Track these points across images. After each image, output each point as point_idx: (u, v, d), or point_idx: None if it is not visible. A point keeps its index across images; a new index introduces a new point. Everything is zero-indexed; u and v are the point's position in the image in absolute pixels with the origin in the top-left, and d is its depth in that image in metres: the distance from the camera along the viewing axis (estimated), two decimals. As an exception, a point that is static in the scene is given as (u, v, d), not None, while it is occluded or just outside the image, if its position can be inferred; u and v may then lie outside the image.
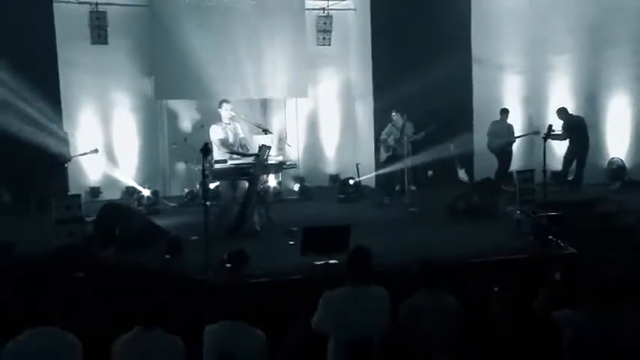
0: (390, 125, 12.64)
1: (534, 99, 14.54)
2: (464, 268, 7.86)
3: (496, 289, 6.27)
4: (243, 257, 7.31)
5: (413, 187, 12.94)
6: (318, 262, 7.54)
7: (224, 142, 10.52)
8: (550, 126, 11.08)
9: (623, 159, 14.26)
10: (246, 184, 9.99)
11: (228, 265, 7.22)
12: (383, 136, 12.75)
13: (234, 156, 10.22)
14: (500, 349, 5.82)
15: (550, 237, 8.82)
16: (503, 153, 13.34)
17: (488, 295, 6.30)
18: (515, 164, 13.45)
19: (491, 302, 6.16)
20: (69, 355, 4.59)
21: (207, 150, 7.83)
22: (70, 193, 10.55)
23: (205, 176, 8.18)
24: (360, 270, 5.46)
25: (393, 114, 12.62)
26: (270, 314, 5.74)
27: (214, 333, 4.91)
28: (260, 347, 4.87)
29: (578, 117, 13.16)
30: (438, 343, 5.34)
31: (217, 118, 10.82)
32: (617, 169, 13.98)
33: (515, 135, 13.46)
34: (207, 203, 10.96)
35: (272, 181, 12.92)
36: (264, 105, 14.45)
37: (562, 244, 8.76)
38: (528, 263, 8.11)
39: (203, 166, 7.93)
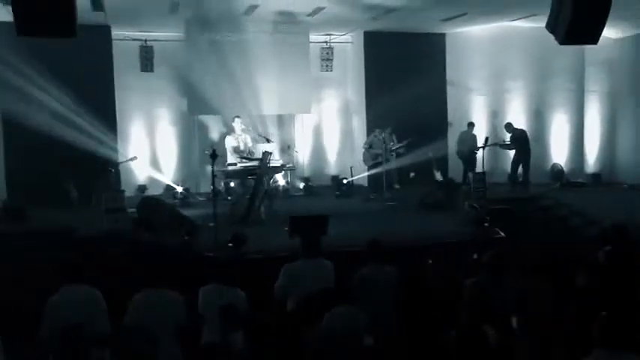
0: (372, 136, 12.96)
1: (495, 114, 14.82)
2: (417, 248, 8.26)
3: (430, 261, 6.84)
4: (242, 239, 7.79)
5: (397, 186, 13.31)
6: (304, 243, 8.07)
7: (236, 149, 11.07)
8: (487, 138, 11.58)
9: (562, 164, 14.60)
10: (253, 182, 10.37)
11: (230, 244, 7.71)
12: (365, 145, 13.03)
13: (244, 160, 10.68)
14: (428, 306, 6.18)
15: (486, 224, 9.28)
16: (468, 158, 13.45)
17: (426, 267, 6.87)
18: (480, 168, 13.26)
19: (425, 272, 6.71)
20: (94, 304, 4.93)
21: (214, 155, 8.19)
22: (119, 189, 10.76)
23: (214, 176, 8.54)
24: (312, 247, 5.98)
25: (377, 130, 12.92)
26: (258, 281, 6.17)
27: (206, 292, 5.33)
28: (241, 302, 5.23)
29: (521, 130, 13.37)
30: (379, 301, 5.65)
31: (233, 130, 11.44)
32: (557, 172, 14.28)
33: (478, 145, 13.28)
34: (228, 197, 11.67)
35: (281, 180, 13.13)
36: (278, 120, 14.56)
37: (495, 230, 9.21)
38: (466, 245, 8.43)
39: (212, 167, 8.34)
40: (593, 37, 8.46)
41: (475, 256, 7.04)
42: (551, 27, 8.59)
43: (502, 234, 9.16)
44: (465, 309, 4.99)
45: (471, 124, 13.77)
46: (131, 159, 12.36)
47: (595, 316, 3.54)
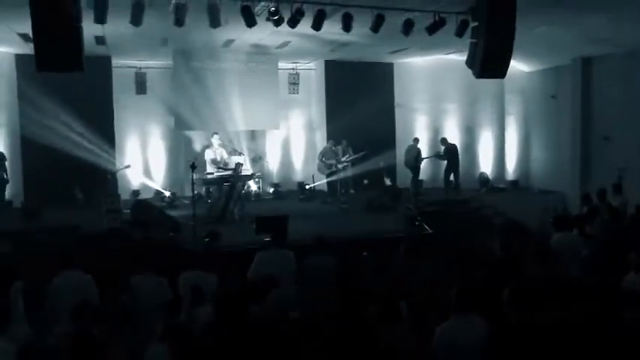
0: (325, 148, 13.31)
1: (435, 131, 15.35)
2: (357, 242, 8.70)
3: (365, 253, 7.21)
4: (216, 235, 7.88)
5: (352, 191, 13.74)
6: (267, 239, 8.02)
7: (214, 161, 11.52)
8: (419, 151, 12.15)
9: (488, 172, 15.24)
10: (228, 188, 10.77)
11: (206, 239, 7.86)
12: (319, 156, 13.30)
13: (220, 169, 11.13)
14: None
15: (417, 223, 9.90)
16: (414, 168, 13.87)
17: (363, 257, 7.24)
18: (424, 175, 14.22)
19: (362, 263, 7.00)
20: (87, 287, 5.30)
21: (193, 166, 8.65)
22: (116, 193, 10.86)
23: (194, 183, 9.01)
24: (280, 240, 6.61)
25: (330, 142, 13.33)
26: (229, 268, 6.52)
27: (187, 277, 5.79)
28: (213, 286, 5.61)
29: (453, 144, 13.95)
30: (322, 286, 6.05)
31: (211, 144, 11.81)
32: (484, 179, 14.89)
33: (422, 157, 13.96)
34: (209, 200, 11.92)
35: (254, 186, 13.53)
36: (251, 135, 14.83)
37: (424, 227, 9.81)
38: (398, 240, 8.57)
39: (192, 176, 8.80)
40: (501, 73, 9.46)
41: (402, 248, 7.59)
42: (469, 64, 9.56)
43: (429, 230, 9.76)
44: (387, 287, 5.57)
45: (416, 140, 14.20)
46: (126, 167, 12.67)
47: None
